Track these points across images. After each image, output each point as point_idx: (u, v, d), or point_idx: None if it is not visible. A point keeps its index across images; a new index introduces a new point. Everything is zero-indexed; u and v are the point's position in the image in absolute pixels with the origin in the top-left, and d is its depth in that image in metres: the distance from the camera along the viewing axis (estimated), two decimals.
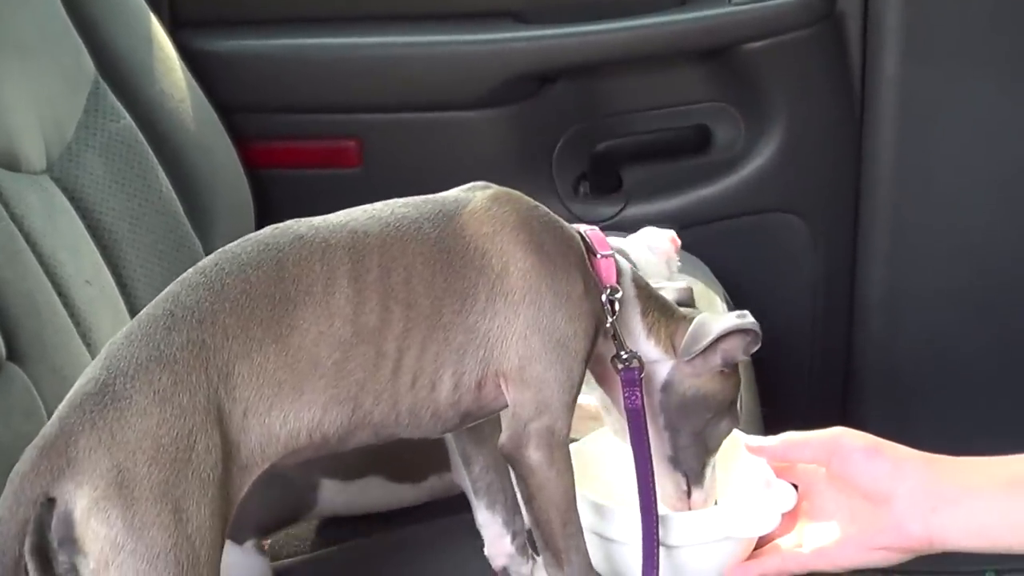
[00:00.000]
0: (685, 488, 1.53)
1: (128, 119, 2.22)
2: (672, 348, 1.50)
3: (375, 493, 1.85)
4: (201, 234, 2.29)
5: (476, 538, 1.64)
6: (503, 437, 1.43)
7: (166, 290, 1.35)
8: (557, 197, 2.73)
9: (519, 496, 1.47)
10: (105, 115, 2.19)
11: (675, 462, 1.52)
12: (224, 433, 1.29)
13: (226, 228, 2.35)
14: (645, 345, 1.50)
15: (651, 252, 2.08)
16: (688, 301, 1.64)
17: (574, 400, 1.44)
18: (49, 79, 2.11)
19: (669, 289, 1.63)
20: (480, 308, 1.39)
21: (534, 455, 1.41)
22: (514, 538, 1.61)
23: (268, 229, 1.40)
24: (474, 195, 1.46)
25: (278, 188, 2.64)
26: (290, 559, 1.90)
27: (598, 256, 1.48)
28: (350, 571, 1.80)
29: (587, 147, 2.81)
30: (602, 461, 1.60)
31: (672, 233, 2.14)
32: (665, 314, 1.52)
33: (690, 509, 1.53)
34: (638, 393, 1.47)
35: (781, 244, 2.82)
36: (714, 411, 1.51)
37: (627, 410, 1.47)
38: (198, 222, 2.30)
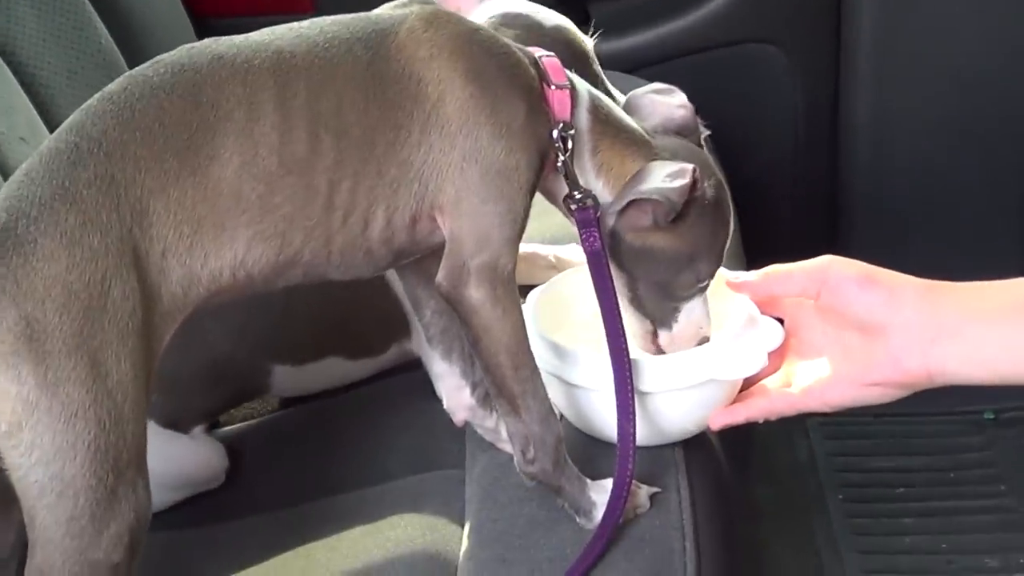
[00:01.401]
0: (651, 330, 1.44)
1: None
2: (616, 184, 1.39)
3: (333, 372, 1.79)
4: None
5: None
6: (440, 275, 1.33)
7: (69, 119, 1.24)
8: None
9: (466, 341, 1.38)
10: None
11: (638, 305, 1.43)
12: (142, 276, 1.19)
13: None
14: (595, 184, 1.40)
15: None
16: (686, 129, 1.50)
17: (518, 235, 1.34)
18: None
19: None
20: (415, 140, 1.30)
21: (475, 293, 1.32)
22: (474, 389, 1.53)
23: (183, 48, 1.28)
24: (410, 12, 1.34)
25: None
26: (244, 423, 1.84)
27: (552, 87, 1.37)
28: (307, 432, 1.72)
29: None
30: (569, 304, 1.50)
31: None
32: (620, 154, 1.40)
33: (656, 351, 1.45)
34: (595, 234, 1.37)
35: (759, 75, 2.74)
36: (667, 265, 1.41)
37: (586, 252, 1.38)
38: None
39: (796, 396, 1.44)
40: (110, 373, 1.15)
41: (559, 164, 1.36)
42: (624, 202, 1.36)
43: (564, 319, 1.50)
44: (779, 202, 2.82)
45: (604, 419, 1.41)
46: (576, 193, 1.37)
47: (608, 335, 1.37)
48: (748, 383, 1.48)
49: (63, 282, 1.14)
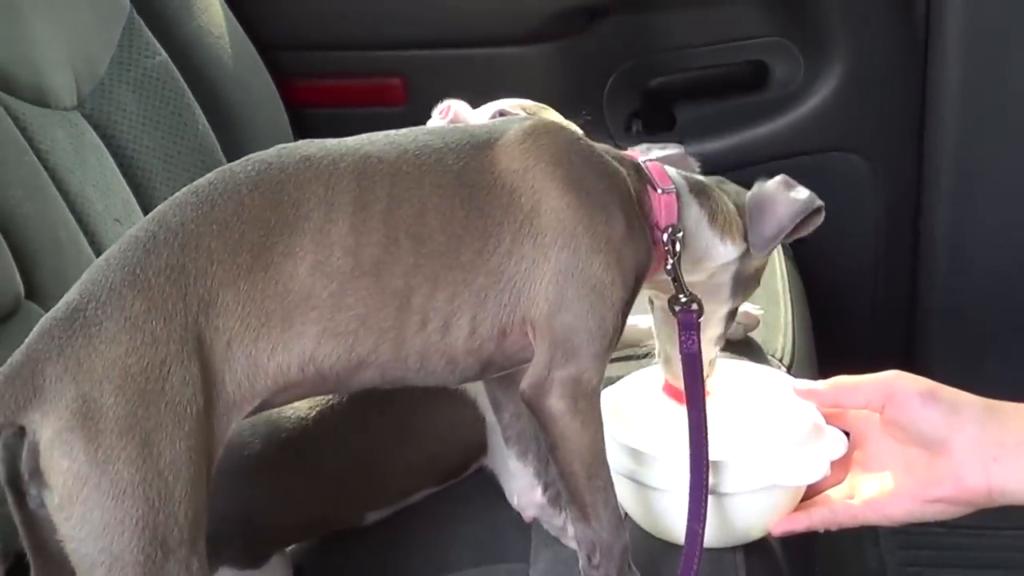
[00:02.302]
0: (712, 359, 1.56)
1: (164, 55, 2.19)
2: (742, 239, 1.48)
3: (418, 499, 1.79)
4: None
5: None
6: (524, 382, 1.34)
7: (156, 210, 1.27)
8: (608, 135, 2.66)
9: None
10: (140, 51, 2.15)
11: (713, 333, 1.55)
12: (205, 364, 1.21)
13: None
14: (723, 248, 1.48)
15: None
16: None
17: (607, 350, 1.35)
18: (82, 13, 2.08)
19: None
20: (505, 249, 1.31)
21: (556, 404, 1.33)
22: (545, 489, 1.55)
23: (275, 148, 1.32)
24: (510, 126, 1.37)
25: (321, 127, 2.53)
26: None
27: (659, 191, 1.42)
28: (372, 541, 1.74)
29: (640, 84, 2.75)
30: (637, 405, 1.53)
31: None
32: (728, 208, 1.49)
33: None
34: (695, 337, 1.41)
35: (841, 184, 2.72)
36: (758, 280, 1.55)
37: (683, 355, 1.41)
38: (236, 161, 2.24)
39: (858, 508, 1.44)
40: (163, 455, 1.17)
41: (668, 267, 1.41)
42: (812, 208, 1.48)
43: (632, 420, 1.52)
44: (856, 311, 2.81)
45: (673, 520, 1.43)
46: (682, 297, 1.42)
47: (691, 438, 1.39)
48: (811, 492, 1.48)
49: (122, 365, 1.17)
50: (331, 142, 1.32)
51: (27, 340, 1.20)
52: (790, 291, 2.15)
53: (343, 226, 1.26)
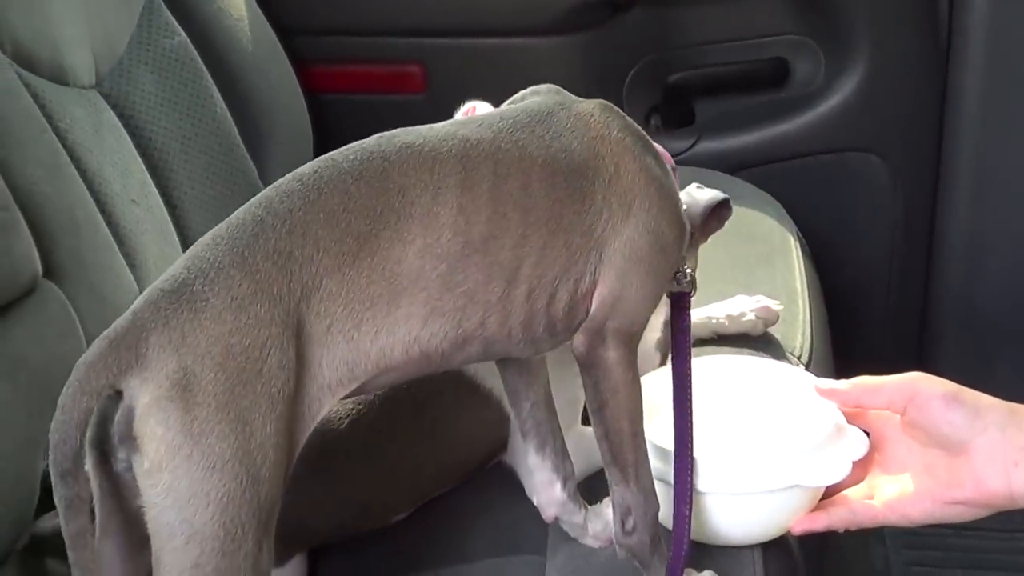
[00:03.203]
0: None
1: (183, 36, 2.18)
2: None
3: None
4: (256, 158, 2.24)
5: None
6: (578, 339, 1.38)
7: (260, 194, 1.29)
8: None
9: (588, 407, 1.41)
10: (159, 31, 2.14)
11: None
12: (302, 350, 1.23)
13: (283, 152, 2.32)
14: None
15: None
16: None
17: (652, 312, 1.41)
18: None
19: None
20: (596, 208, 1.35)
21: (612, 353, 1.37)
22: (564, 484, 1.54)
23: (374, 137, 1.33)
24: (571, 99, 1.42)
25: (339, 113, 2.58)
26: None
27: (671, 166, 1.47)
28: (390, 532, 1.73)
29: (660, 78, 2.74)
30: (660, 404, 1.52)
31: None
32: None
33: None
34: (688, 315, 1.46)
35: (859, 184, 2.74)
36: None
37: (674, 333, 1.46)
38: (253, 145, 2.25)
39: (878, 509, 1.44)
40: (254, 434, 1.19)
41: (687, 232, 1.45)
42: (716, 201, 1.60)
43: (656, 416, 1.52)
44: (870, 312, 2.81)
45: (704, 520, 1.45)
46: (687, 270, 1.47)
47: (676, 412, 1.43)
48: (831, 492, 1.48)
49: (225, 343, 1.19)
50: (424, 129, 1.34)
51: (133, 307, 1.22)
52: (808, 289, 2.15)
53: (452, 208, 1.28)
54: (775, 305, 1.93)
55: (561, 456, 1.53)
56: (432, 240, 1.27)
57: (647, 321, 1.40)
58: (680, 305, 1.47)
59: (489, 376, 1.66)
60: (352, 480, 1.63)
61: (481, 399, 1.67)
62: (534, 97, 1.44)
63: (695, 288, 1.48)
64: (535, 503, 1.56)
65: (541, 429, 1.53)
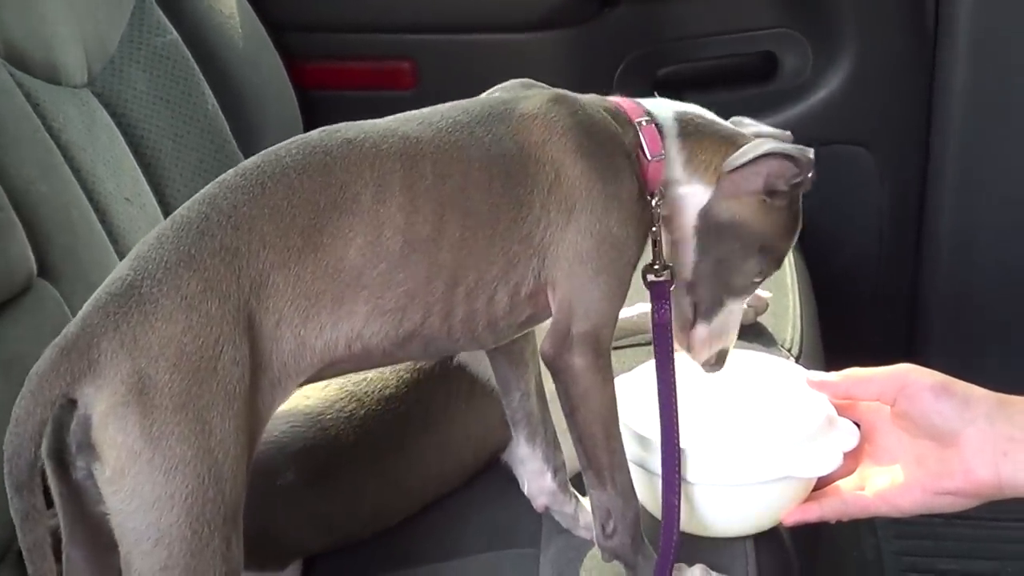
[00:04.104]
0: (691, 317, 1.48)
1: (174, 34, 2.18)
2: (714, 175, 1.43)
3: None
4: (247, 154, 2.21)
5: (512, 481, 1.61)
6: (545, 343, 1.38)
7: (203, 190, 1.29)
8: None
9: (562, 411, 1.41)
10: (150, 29, 2.15)
11: (691, 288, 1.47)
12: (254, 345, 1.23)
13: None
14: (681, 172, 1.43)
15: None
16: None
17: (618, 310, 1.39)
18: None
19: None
20: (535, 216, 1.34)
21: (578, 360, 1.36)
22: (555, 474, 1.56)
23: (316, 132, 1.33)
24: (524, 98, 1.40)
25: (329, 109, 2.55)
26: None
27: (649, 160, 1.41)
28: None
29: (649, 73, 2.73)
30: (646, 396, 1.53)
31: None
32: (714, 146, 1.44)
33: (688, 346, 1.48)
34: (666, 307, 1.43)
35: (848, 176, 2.74)
36: (744, 242, 1.44)
37: (654, 324, 1.43)
38: (245, 142, 2.25)
39: (869, 500, 1.46)
40: (213, 432, 1.19)
41: (655, 220, 1.41)
42: (750, 156, 1.39)
43: (642, 408, 1.53)
44: (860, 303, 2.82)
45: (696, 512, 1.46)
46: (656, 265, 1.42)
47: (661, 403, 1.42)
48: (822, 483, 1.50)
49: (178, 343, 1.19)
50: (367, 124, 1.34)
51: (81, 313, 1.22)
52: (798, 282, 2.16)
53: (392, 206, 1.28)
54: (764, 293, 1.94)
55: (552, 447, 1.54)
56: (372, 238, 1.27)
57: (613, 327, 1.38)
58: (656, 295, 1.44)
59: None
60: (361, 492, 1.63)
61: (489, 401, 1.67)
62: (495, 94, 1.43)
63: (673, 279, 1.44)
64: (525, 492, 1.57)
65: (532, 419, 1.54)
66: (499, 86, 1.47)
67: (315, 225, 1.26)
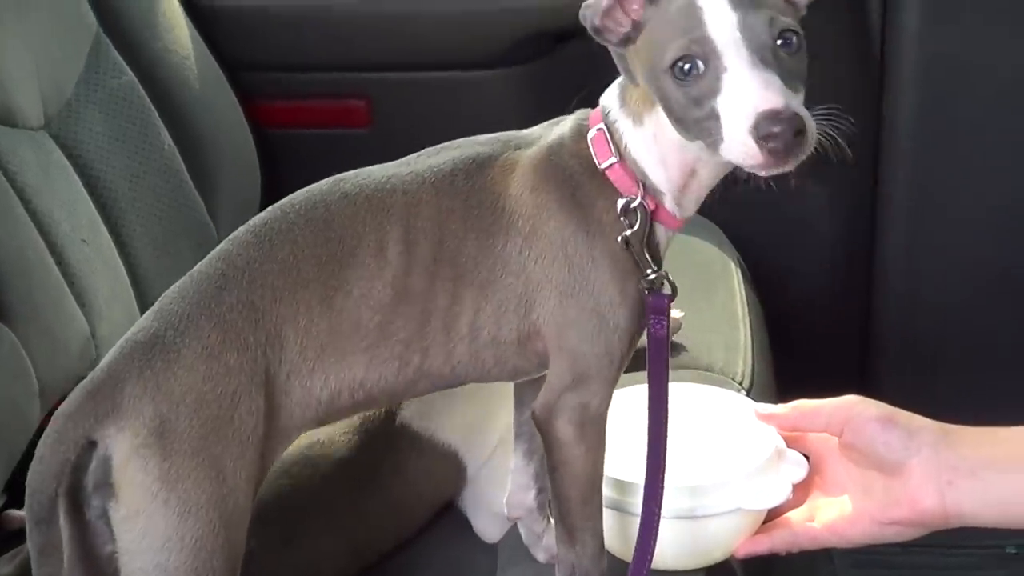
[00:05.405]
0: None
1: (130, 75, 2.19)
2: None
3: None
4: (204, 193, 2.25)
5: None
6: (536, 403, 1.40)
7: (218, 248, 1.34)
8: None
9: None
10: (106, 71, 2.16)
11: None
12: (268, 396, 1.28)
13: (231, 188, 2.33)
14: (628, 124, 1.37)
15: None
16: None
17: (615, 375, 1.38)
18: (48, 34, 2.07)
19: None
20: (514, 269, 1.35)
21: (563, 429, 1.37)
22: (538, 493, 1.58)
23: (320, 183, 1.37)
24: (504, 148, 1.39)
25: (286, 148, 2.60)
26: None
27: (602, 168, 1.36)
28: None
29: None
30: (620, 427, 1.52)
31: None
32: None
33: None
34: (664, 322, 1.37)
35: (798, 209, 2.74)
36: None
37: (650, 339, 1.38)
38: (201, 182, 2.26)
39: (818, 531, 1.48)
40: (226, 480, 1.24)
41: (619, 239, 1.35)
42: None
43: (614, 443, 1.52)
44: (812, 335, 2.81)
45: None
46: (649, 272, 1.36)
47: (651, 420, 1.39)
48: (773, 514, 1.51)
49: (198, 391, 1.24)
50: (363, 175, 1.37)
51: (107, 358, 1.27)
52: (749, 314, 2.18)
53: (381, 259, 1.32)
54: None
55: (543, 468, 1.55)
56: (367, 290, 1.31)
57: (608, 396, 1.37)
58: (653, 307, 1.36)
59: (445, 430, 1.70)
60: (319, 555, 1.64)
61: (436, 455, 1.70)
62: (478, 147, 1.40)
63: (674, 290, 1.38)
64: (502, 503, 1.59)
65: (534, 440, 1.53)
66: (486, 136, 1.44)
67: (319, 278, 1.31)
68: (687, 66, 1.27)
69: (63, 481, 1.23)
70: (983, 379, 2.79)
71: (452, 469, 1.70)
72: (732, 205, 2.66)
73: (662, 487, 1.40)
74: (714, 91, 1.26)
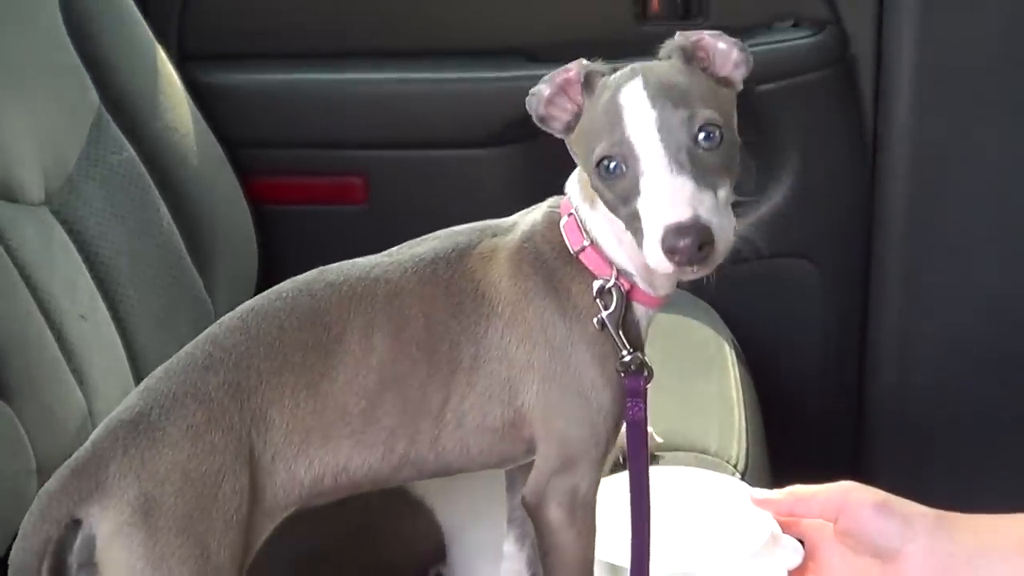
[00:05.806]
0: None
1: (131, 151, 2.20)
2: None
3: None
4: (202, 270, 2.26)
5: None
6: (526, 489, 1.41)
7: (205, 332, 1.37)
8: None
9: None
10: (107, 147, 2.17)
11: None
12: (252, 476, 1.29)
13: (229, 264, 2.34)
14: (590, 214, 1.39)
15: None
16: None
17: (602, 458, 1.40)
18: (51, 110, 2.09)
19: None
20: (496, 355, 1.37)
21: (554, 513, 1.39)
22: None
23: (307, 274, 1.41)
24: (482, 236, 1.43)
25: (283, 224, 2.61)
26: None
27: (574, 252, 1.39)
28: None
29: None
30: (609, 511, 1.54)
31: None
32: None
33: None
34: (641, 405, 1.38)
35: (791, 289, 2.76)
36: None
37: (628, 423, 1.40)
38: (200, 258, 2.27)
39: None
40: (211, 558, 1.25)
41: (595, 321, 1.38)
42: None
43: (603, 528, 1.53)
44: (806, 418, 2.83)
45: None
46: (624, 354, 1.37)
47: (632, 504, 1.40)
48: None
49: (183, 469, 1.25)
50: (347, 266, 1.41)
51: (92, 437, 1.29)
52: (744, 398, 2.18)
53: (365, 347, 1.35)
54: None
55: (537, 554, 1.55)
56: (351, 376, 1.33)
57: (596, 479, 1.39)
58: (630, 390, 1.38)
59: (420, 486, 1.70)
60: None
61: (416, 512, 1.70)
62: (450, 238, 1.43)
63: (649, 372, 1.38)
64: None
65: (526, 524, 1.54)
66: (465, 226, 1.47)
67: (305, 363, 1.33)
68: (611, 165, 1.30)
69: (46, 559, 1.23)
70: (978, 463, 2.79)
71: (428, 527, 1.70)
72: (726, 285, 2.70)
73: (647, 571, 1.41)
74: (635, 192, 1.29)
